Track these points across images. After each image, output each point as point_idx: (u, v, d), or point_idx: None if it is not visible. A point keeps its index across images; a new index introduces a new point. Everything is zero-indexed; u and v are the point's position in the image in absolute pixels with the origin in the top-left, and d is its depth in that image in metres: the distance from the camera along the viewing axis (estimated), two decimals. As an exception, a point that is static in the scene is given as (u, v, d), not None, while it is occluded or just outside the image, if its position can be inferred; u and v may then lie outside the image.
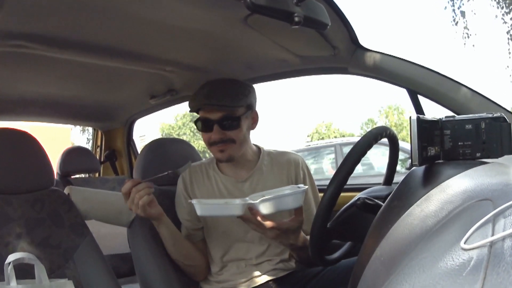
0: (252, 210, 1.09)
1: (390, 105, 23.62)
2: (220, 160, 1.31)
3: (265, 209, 1.07)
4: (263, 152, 1.38)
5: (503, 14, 10.49)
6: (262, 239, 1.28)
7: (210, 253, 1.32)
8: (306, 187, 1.17)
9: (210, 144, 1.27)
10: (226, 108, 1.23)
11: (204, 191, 1.32)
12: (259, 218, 1.08)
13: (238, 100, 1.24)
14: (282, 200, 1.09)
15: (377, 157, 5.97)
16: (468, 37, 10.87)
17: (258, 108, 1.36)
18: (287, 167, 1.35)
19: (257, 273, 1.27)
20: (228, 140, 1.25)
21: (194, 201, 1.12)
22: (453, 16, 10.75)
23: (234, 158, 1.28)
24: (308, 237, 1.06)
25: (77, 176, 2.53)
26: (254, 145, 1.39)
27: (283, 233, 1.13)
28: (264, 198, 1.09)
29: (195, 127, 1.29)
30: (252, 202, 1.08)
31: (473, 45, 12.57)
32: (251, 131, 1.35)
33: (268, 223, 1.09)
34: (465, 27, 10.71)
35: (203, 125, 1.27)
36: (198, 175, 1.35)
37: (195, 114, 1.33)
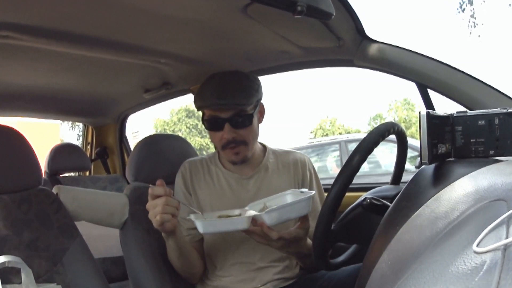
0: (257, 221, 1.07)
1: (398, 100, 23.63)
2: (234, 163, 1.31)
3: (271, 220, 1.05)
4: (268, 150, 1.40)
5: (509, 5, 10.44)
6: None
7: (210, 255, 1.32)
8: (313, 192, 1.13)
9: (222, 145, 1.26)
10: (239, 107, 1.22)
11: (205, 188, 1.33)
12: (265, 230, 1.06)
13: (250, 97, 1.23)
14: (289, 209, 1.06)
15: (385, 155, 5.97)
16: (475, 26, 10.84)
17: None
18: (294, 167, 1.36)
19: (259, 280, 1.27)
20: (241, 142, 1.25)
21: (193, 218, 1.07)
22: (460, 3, 10.72)
23: (248, 159, 1.30)
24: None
25: (67, 174, 2.53)
26: (259, 143, 1.40)
27: (290, 242, 1.12)
28: (270, 209, 1.06)
29: (192, 123, 1.29)
30: (258, 213, 1.07)
31: (479, 35, 12.56)
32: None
33: (275, 234, 1.07)
34: (472, 16, 10.68)
35: (212, 124, 1.26)
36: (199, 170, 1.35)
37: (190, 109, 1.33)
